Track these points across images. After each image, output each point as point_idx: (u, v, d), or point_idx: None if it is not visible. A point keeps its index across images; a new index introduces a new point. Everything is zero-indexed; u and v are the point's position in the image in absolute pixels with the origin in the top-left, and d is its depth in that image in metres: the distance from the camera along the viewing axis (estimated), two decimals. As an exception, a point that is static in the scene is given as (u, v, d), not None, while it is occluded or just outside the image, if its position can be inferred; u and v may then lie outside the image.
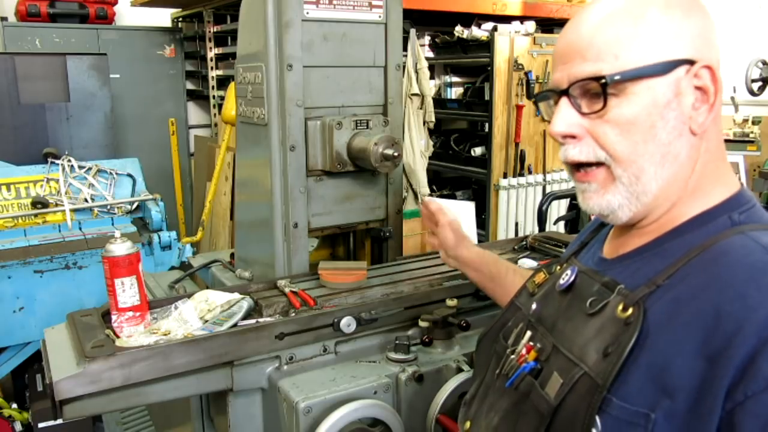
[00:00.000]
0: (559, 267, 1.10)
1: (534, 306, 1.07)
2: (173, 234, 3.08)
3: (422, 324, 1.56)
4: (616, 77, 0.85)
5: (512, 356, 1.02)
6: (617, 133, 0.87)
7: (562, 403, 0.87)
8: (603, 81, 0.86)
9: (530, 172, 5.13)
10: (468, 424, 1.09)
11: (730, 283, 0.77)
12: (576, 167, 0.94)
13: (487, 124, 5.04)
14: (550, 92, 0.96)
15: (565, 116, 0.91)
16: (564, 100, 0.92)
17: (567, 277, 1.01)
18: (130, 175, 3.33)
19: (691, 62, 0.86)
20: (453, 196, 5.46)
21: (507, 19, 5.09)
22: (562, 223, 3.86)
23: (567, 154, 0.93)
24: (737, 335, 0.72)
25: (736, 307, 0.74)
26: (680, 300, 0.81)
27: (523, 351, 0.99)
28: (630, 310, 0.84)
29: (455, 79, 5.97)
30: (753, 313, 0.73)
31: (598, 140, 0.89)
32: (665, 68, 0.85)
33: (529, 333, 1.02)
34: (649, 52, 0.86)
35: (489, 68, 4.87)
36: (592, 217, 1.17)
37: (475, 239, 4.52)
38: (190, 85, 5.98)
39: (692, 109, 0.87)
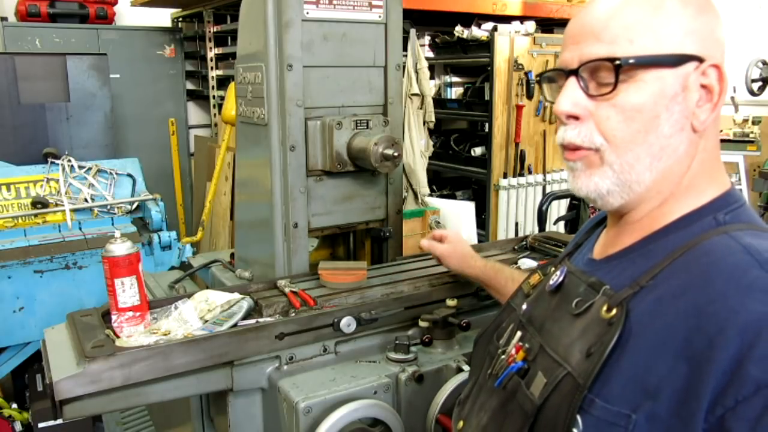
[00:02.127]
0: (553, 268, 1.10)
1: (525, 306, 1.08)
2: (173, 234, 3.08)
3: (422, 324, 1.56)
4: (630, 60, 0.85)
5: (503, 356, 1.03)
6: (620, 119, 0.87)
7: (546, 402, 0.87)
8: (617, 63, 0.85)
9: (530, 172, 5.14)
10: (461, 423, 1.09)
11: (710, 283, 0.77)
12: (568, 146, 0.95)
13: (487, 124, 5.04)
14: (558, 71, 0.95)
15: (571, 95, 0.91)
16: (572, 80, 0.91)
17: (556, 277, 1.02)
18: (130, 175, 3.32)
19: (701, 60, 0.87)
20: (453, 196, 5.46)
21: (507, 19, 5.10)
22: (562, 223, 3.87)
23: (565, 135, 0.92)
24: (718, 336, 0.72)
25: (717, 308, 0.74)
26: (662, 301, 0.81)
27: (513, 351, 1.00)
28: (614, 311, 0.84)
29: (455, 79, 5.97)
30: (734, 314, 0.72)
31: (599, 125, 0.89)
32: (677, 60, 0.86)
33: (519, 333, 1.03)
34: (663, 42, 0.86)
35: (489, 68, 4.87)
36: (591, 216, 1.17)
37: (474, 239, 4.54)
38: (190, 85, 5.98)
39: (696, 106, 0.88)
